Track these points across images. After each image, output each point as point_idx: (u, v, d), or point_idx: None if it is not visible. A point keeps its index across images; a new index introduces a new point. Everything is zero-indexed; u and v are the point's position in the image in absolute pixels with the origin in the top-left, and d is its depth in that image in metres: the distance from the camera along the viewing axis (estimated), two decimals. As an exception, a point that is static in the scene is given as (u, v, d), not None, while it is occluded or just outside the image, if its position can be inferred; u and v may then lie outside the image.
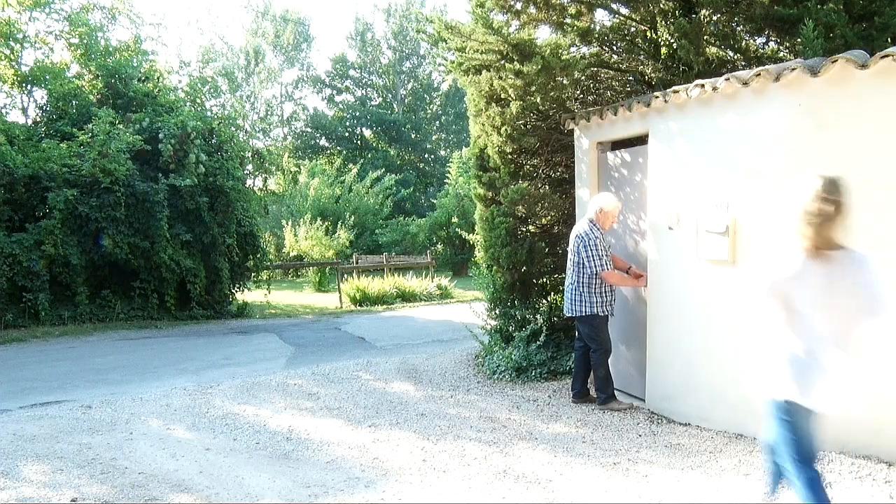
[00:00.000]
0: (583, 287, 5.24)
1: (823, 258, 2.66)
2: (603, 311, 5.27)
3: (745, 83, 4.22)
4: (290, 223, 21.30)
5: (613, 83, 6.62)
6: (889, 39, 5.04)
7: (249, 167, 15.27)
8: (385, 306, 14.39)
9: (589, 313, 5.24)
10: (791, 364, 2.76)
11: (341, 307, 14.49)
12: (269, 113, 35.26)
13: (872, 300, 2.61)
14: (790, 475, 2.81)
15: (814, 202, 2.64)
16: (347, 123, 34.82)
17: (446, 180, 24.43)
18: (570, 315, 5.44)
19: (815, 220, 2.64)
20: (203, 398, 5.94)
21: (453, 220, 22.12)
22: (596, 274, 5.17)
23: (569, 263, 5.40)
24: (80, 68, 13.85)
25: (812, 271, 2.67)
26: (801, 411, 2.74)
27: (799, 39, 4.90)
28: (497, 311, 6.99)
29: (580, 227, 5.32)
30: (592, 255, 5.15)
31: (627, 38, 6.24)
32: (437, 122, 36.79)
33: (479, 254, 7.69)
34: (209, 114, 14.45)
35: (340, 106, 36.04)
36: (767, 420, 2.88)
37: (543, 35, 6.49)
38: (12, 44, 12.91)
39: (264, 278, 14.27)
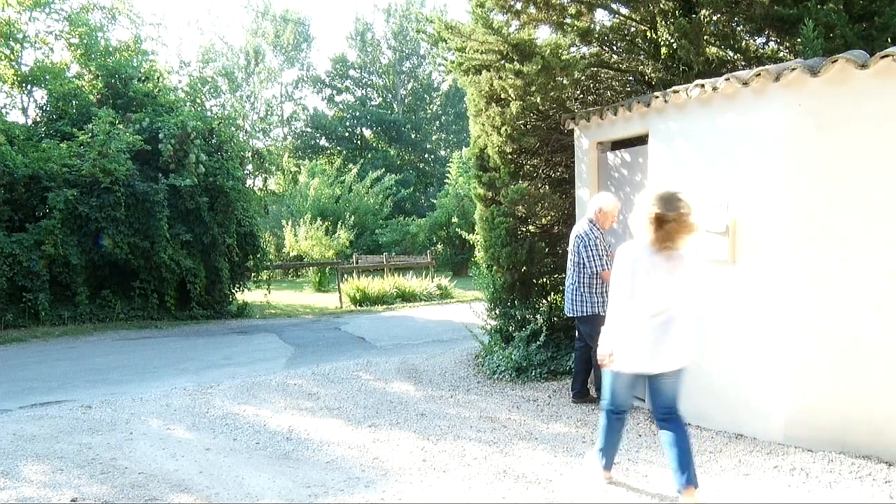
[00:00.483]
0: (583, 287, 5.24)
1: (665, 254, 3.36)
2: (604, 311, 5.25)
3: (745, 83, 4.22)
4: (290, 223, 21.30)
5: (613, 83, 6.62)
6: (889, 39, 5.04)
7: (249, 167, 15.29)
8: (385, 306, 14.39)
9: (590, 313, 5.24)
10: (623, 337, 3.48)
11: (341, 307, 14.50)
12: (269, 113, 35.26)
13: (688, 289, 3.48)
14: (602, 414, 3.72)
15: (660, 210, 3.31)
16: (347, 123, 34.82)
17: (446, 180, 24.43)
18: (570, 315, 5.43)
19: (661, 224, 3.31)
20: (203, 398, 5.94)
21: (453, 220, 22.11)
22: (597, 274, 5.17)
23: (569, 263, 5.40)
24: (80, 68, 13.86)
25: (655, 263, 3.37)
26: (621, 374, 3.55)
27: (799, 39, 4.90)
28: (497, 311, 6.99)
29: (580, 227, 5.31)
30: (593, 255, 5.15)
31: (627, 38, 6.24)
32: (437, 122, 36.78)
33: (479, 254, 7.69)
34: (209, 114, 14.46)
35: (340, 106, 36.05)
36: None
37: (543, 35, 6.50)
38: (12, 44, 12.92)
39: (264, 278, 14.28)
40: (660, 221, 3.31)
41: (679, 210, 3.31)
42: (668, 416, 3.50)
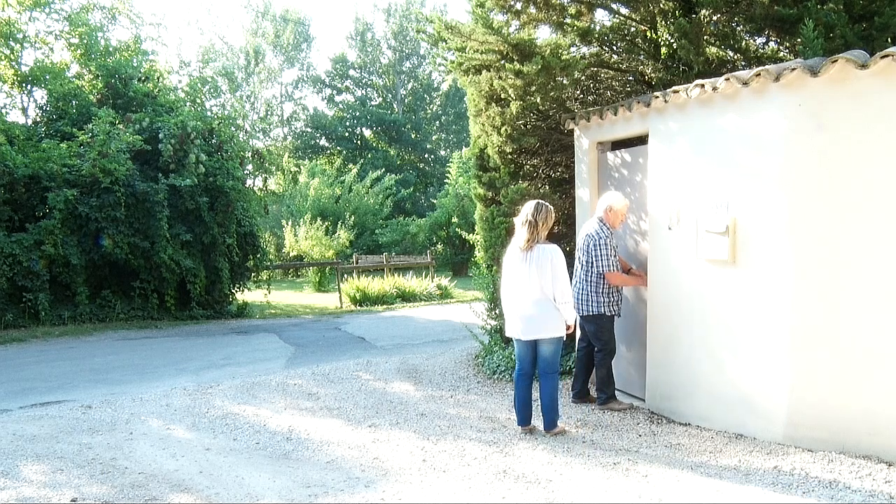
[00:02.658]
0: (590, 286, 5.22)
1: (527, 250, 4.57)
2: (610, 311, 5.25)
3: (745, 83, 4.22)
4: (290, 223, 21.30)
5: (613, 83, 6.62)
6: (889, 39, 5.04)
7: (249, 167, 15.27)
8: (385, 306, 14.39)
9: (596, 313, 5.22)
10: (505, 312, 4.78)
11: (341, 307, 14.50)
12: (269, 113, 35.27)
13: (552, 275, 4.52)
14: None
15: (524, 218, 4.58)
16: (347, 123, 34.83)
17: (446, 180, 24.44)
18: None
19: (523, 227, 4.57)
20: (203, 398, 5.94)
21: (453, 220, 22.12)
22: (602, 274, 5.16)
23: (577, 262, 5.38)
24: (80, 68, 13.85)
25: (521, 257, 4.61)
26: (514, 340, 4.80)
27: (799, 39, 4.90)
28: (497, 311, 6.98)
29: (590, 226, 5.28)
30: (601, 255, 5.13)
31: (627, 38, 6.24)
32: (437, 122, 36.79)
33: (479, 254, 7.69)
34: (209, 114, 14.46)
35: (340, 106, 36.06)
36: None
37: (543, 35, 6.50)
38: (12, 44, 12.91)
39: (264, 278, 14.27)
40: (521, 225, 4.58)
41: (524, 217, 4.56)
42: (544, 373, 4.68)
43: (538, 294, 4.53)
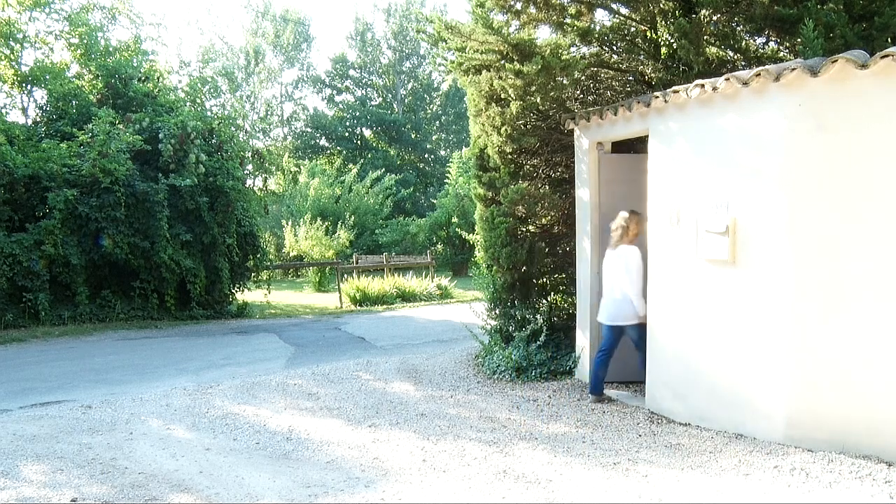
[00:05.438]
0: None
1: (615, 249, 5.34)
2: None
3: (745, 83, 4.22)
4: (290, 223, 21.29)
5: (613, 83, 6.62)
6: (889, 39, 5.04)
7: (249, 167, 15.27)
8: (385, 306, 14.39)
9: None
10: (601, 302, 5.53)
11: (341, 307, 14.50)
12: (269, 113, 35.25)
13: (626, 271, 5.23)
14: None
15: (618, 223, 5.32)
16: (347, 123, 34.80)
17: (446, 180, 24.43)
18: None
19: (616, 233, 5.32)
20: (203, 398, 5.94)
21: (453, 220, 22.12)
22: None
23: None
24: (80, 68, 13.85)
25: (610, 255, 5.40)
26: (602, 325, 5.50)
27: (799, 39, 4.90)
28: (497, 311, 6.99)
29: None
30: None
31: (627, 38, 6.24)
32: (437, 122, 36.78)
33: (479, 254, 7.70)
34: (209, 114, 14.45)
35: (340, 106, 36.03)
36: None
37: (543, 35, 6.50)
38: (12, 44, 12.91)
39: (264, 278, 14.27)
40: (615, 229, 5.32)
41: (617, 223, 5.30)
42: (637, 347, 5.36)
43: (620, 287, 5.29)
